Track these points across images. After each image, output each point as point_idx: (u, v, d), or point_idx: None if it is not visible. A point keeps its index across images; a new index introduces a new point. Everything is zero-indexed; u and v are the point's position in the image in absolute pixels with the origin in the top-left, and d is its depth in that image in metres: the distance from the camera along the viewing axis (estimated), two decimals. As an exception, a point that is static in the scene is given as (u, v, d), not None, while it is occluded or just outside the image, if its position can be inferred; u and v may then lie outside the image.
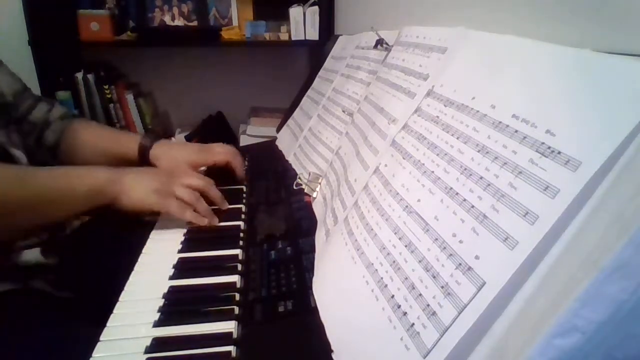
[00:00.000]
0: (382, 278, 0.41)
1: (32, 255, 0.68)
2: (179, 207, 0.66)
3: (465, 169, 0.38)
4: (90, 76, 1.65)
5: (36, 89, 1.53)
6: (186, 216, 0.66)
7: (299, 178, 0.77)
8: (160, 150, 0.85)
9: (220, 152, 0.87)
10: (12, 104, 0.80)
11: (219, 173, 0.89)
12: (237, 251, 0.62)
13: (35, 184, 0.62)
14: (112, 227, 0.82)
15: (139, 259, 0.61)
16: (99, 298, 0.52)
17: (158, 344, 0.46)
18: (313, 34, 1.64)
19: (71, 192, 0.63)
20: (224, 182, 0.87)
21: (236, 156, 0.88)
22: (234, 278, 0.56)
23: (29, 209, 0.61)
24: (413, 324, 0.35)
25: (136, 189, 0.66)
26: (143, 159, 0.85)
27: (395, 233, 0.42)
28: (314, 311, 0.48)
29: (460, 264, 0.34)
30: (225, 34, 1.69)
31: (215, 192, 0.72)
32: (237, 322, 0.48)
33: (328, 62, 1.06)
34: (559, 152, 0.31)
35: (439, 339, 0.32)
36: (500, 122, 0.37)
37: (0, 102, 0.77)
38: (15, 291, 0.64)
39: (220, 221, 0.70)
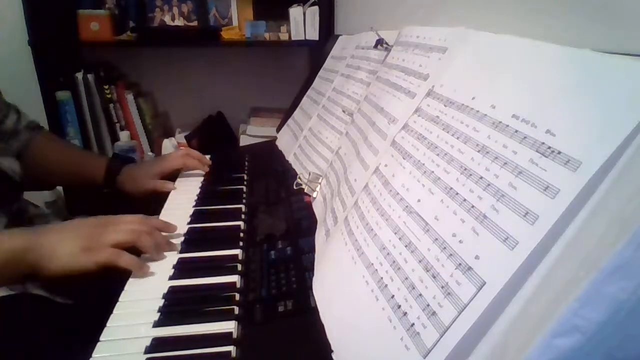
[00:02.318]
0: (382, 278, 0.41)
1: None
2: (112, 254, 0.57)
3: (466, 169, 0.38)
4: (90, 76, 1.64)
5: (36, 89, 1.53)
6: (121, 262, 0.57)
7: (299, 178, 0.77)
8: (125, 176, 0.87)
9: (175, 157, 0.92)
10: None
11: (219, 175, 0.91)
12: (237, 251, 0.62)
13: None
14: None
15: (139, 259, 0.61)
16: (99, 302, 0.52)
17: (158, 344, 0.46)
18: (313, 34, 1.63)
19: None
20: (224, 182, 0.88)
21: (187, 158, 0.92)
22: (234, 278, 0.56)
23: None
24: (413, 324, 0.35)
25: (60, 251, 0.56)
26: (109, 183, 0.87)
27: (395, 233, 0.42)
28: (314, 311, 0.48)
29: (460, 264, 0.34)
30: (225, 34, 1.69)
31: (155, 222, 0.65)
32: (237, 322, 0.48)
33: (328, 62, 1.06)
34: (559, 152, 0.31)
35: (439, 339, 0.32)
36: (500, 122, 0.37)
37: None
38: (13, 296, 0.64)
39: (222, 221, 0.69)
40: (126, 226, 0.60)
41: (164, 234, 0.65)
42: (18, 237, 0.57)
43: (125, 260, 0.57)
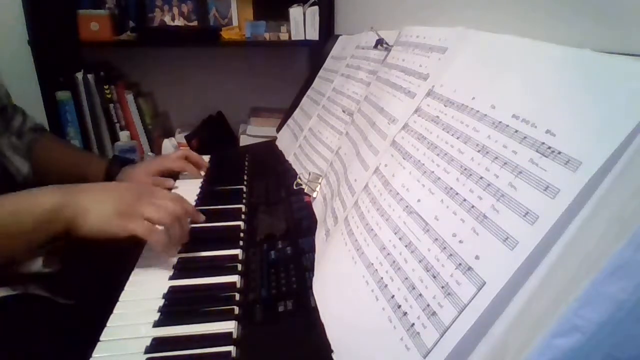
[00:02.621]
0: (382, 278, 0.41)
1: (34, 266, 0.68)
2: (146, 229, 0.56)
3: (466, 169, 0.38)
4: (90, 76, 1.64)
5: (36, 89, 1.53)
6: (152, 239, 0.56)
7: (299, 178, 0.77)
8: (124, 176, 0.88)
9: (175, 159, 0.92)
10: (5, 108, 0.80)
11: (219, 175, 0.91)
12: (237, 251, 0.62)
13: None
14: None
15: (139, 260, 0.61)
16: (99, 302, 0.52)
17: (158, 344, 0.46)
18: (313, 34, 1.64)
19: (15, 232, 0.54)
20: (224, 182, 0.88)
21: (186, 162, 0.92)
22: (234, 278, 0.56)
23: None
24: (413, 324, 0.35)
25: (95, 212, 0.55)
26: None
27: (395, 233, 0.42)
28: (314, 311, 0.48)
29: (460, 264, 0.34)
30: (225, 34, 1.69)
31: (189, 206, 0.65)
32: (237, 322, 0.48)
33: (328, 62, 1.06)
34: (559, 152, 0.31)
35: (439, 339, 0.32)
36: (500, 122, 0.37)
37: None
38: (14, 297, 0.64)
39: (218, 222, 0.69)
40: (166, 205, 0.59)
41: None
42: (51, 194, 0.56)
43: (157, 238, 0.56)
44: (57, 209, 0.55)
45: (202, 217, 0.67)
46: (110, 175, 0.89)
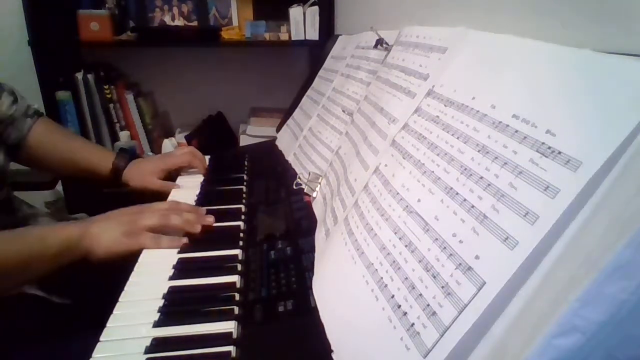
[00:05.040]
0: (382, 278, 0.41)
1: None
2: (152, 239, 0.63)
3: (466, 169, 0.38)
4: (90, 76, 1.64)
5: (36, 89, 1.53)
6: (162, 245, 0.63)
7: (299, 178, 0.77)
8: (131, 171, 0.89)
9: (181, 155, 0.94)
10: None
11: (219, 175, 0.91)
12: (237, 251, 0.62)
13: (3, 250, 0.58)
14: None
15: (139, 260, 0.61)
16: (98, 301, 0.52)
17: (158, 344, 0.46)
18: (313, 34, 1.63)
19: (41, 255, 0.60)
20: (224, 182, 0.88)
21: (194, 158, 0.94)
22: (234, 278, 0.56)
23: None
24: (413, 323, 0.35)
25: (105, 237, 0.62)
26: (115, 178, 0.88)
27: (395, 233, 0.42)
28: (314, 311, 0.48)
29: (460, 264, 0.34)
30: (225, 34, 1.68)
31: (184, 206, 0.69)
32: (237, 322, 0.48)
33: (328, 62, 1.06)
34: (559, 152, 0.31)
35: (439, 339, 0.32)
36: (500, 122, 0.37)
37: None
38: (10, 296, 0.64)
39: (216, 221, 0.70)
40: (158, 211, 0.67)
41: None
42: (73, 226, 0.63)
43: (165, 243, 0.64)
44: (77, 238, 0.62)
45: (198, 228, 0.68)
46: (117, 168, 0.88)
